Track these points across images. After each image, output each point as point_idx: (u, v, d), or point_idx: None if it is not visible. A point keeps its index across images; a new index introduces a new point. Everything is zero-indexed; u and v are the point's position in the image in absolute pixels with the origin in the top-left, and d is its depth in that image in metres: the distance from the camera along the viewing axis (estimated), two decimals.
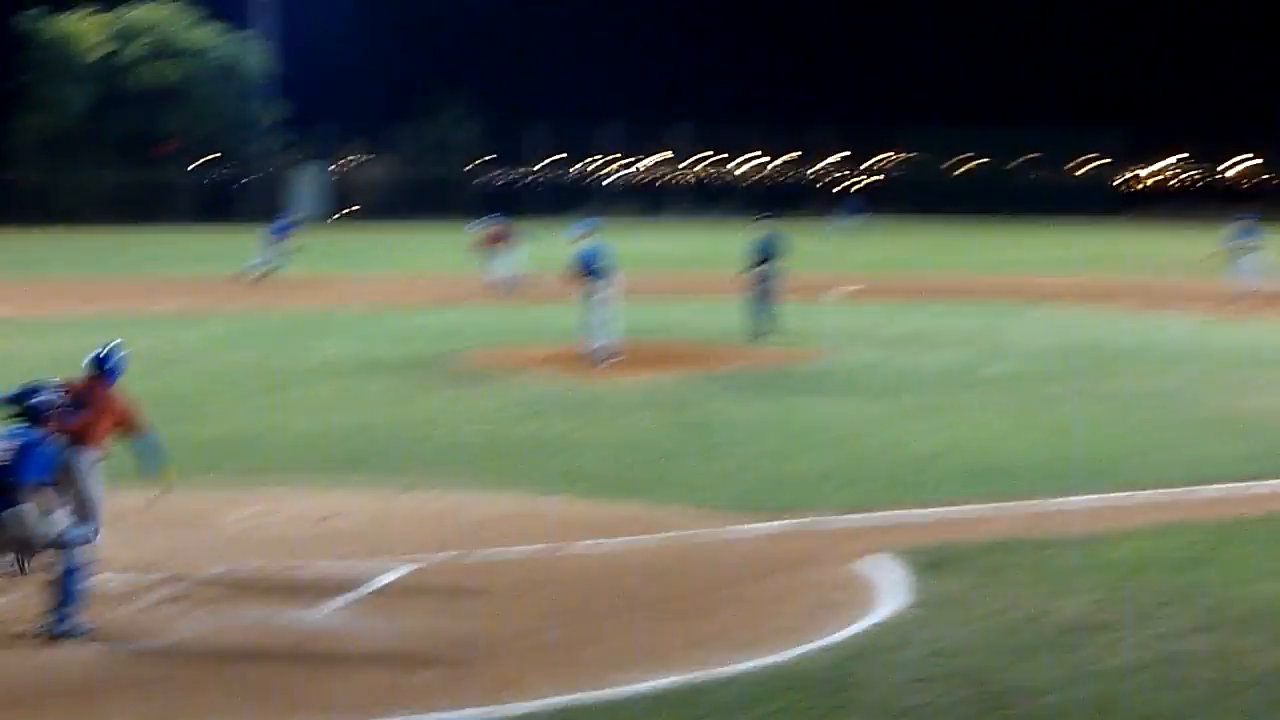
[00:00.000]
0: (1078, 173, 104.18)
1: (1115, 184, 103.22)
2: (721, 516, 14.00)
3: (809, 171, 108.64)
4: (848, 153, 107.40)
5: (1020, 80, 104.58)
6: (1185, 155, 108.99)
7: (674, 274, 44.85)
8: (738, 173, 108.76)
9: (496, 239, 39.96)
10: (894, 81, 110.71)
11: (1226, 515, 13.95)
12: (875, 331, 29.36)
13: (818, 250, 53.92)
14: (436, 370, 24.07)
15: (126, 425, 12.27)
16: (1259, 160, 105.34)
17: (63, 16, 79.95)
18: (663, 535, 13.38)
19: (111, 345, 12.52)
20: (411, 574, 12.11)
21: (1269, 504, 14.43)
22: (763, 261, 29.01)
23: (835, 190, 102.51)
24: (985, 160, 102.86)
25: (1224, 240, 38.05)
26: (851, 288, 39.01)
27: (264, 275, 41.38)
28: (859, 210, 74.27)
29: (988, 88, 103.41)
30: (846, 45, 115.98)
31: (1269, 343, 27.64)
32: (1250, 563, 12.27)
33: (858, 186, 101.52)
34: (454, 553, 12.71)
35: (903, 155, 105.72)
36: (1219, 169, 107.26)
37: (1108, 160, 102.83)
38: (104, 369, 12.34)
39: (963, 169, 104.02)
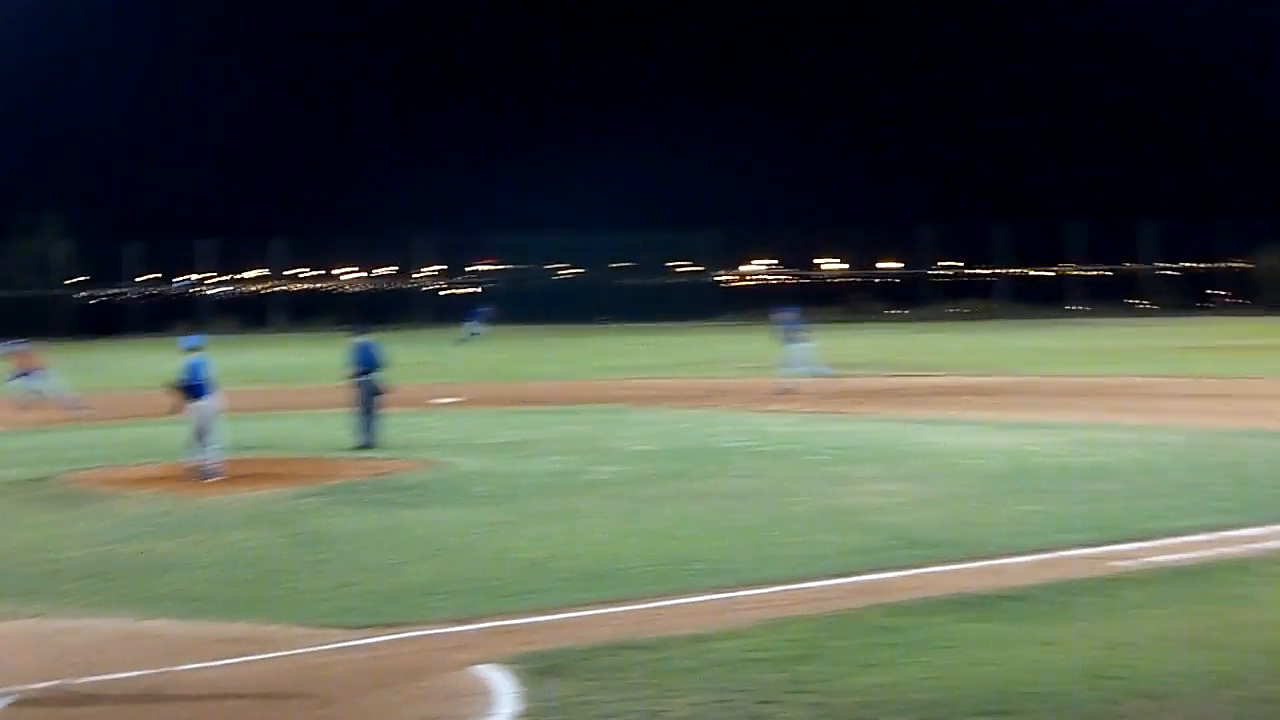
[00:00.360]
0: (673, 276, 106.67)
1: (714, 284, 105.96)
2: (331, 632, 13.76)
3: (408, 283, 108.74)
4: (444, 265, 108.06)
5: (615, 185, 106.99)
6: (773, 260, 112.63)
7: (277, 388, 44.23)
8: (339, 285, 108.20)
9: (24, 363, 39.19)
10: (489, 190, 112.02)
11: (832, 608, 14.28)
12: (481, 440, 29.40)
13: (426, 359, 53.89)
14: (33, 493, 23.20)
15: None
16: (844, 264, 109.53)
17: None
18: (272, 654, 13.07)
19: None
20: (8, 707, 11.56)
21: (872, 595, 14.84)
22: (363, 373, 28.85)
23: (446, 297, 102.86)
24: (580, 270, 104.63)
25: (777, 334, 39.86)
26: (453, 399, 39.04)
27: None
28: (490, 317, 74.72)
29: (583, 193, 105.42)
30: (440, 154, 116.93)
31: (862, 437, 28.57)
32: (855, 655, 12.57)
33: (474, 294, 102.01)
34: (55, 682, 12.19)
35: (500, 265, 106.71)
36: (809, 270, 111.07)
37: (700, 268, 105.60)
38: None
39: (561, 275, 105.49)
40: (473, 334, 70.04)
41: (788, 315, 40.28)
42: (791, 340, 39.48)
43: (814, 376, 38.89)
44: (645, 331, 77.65)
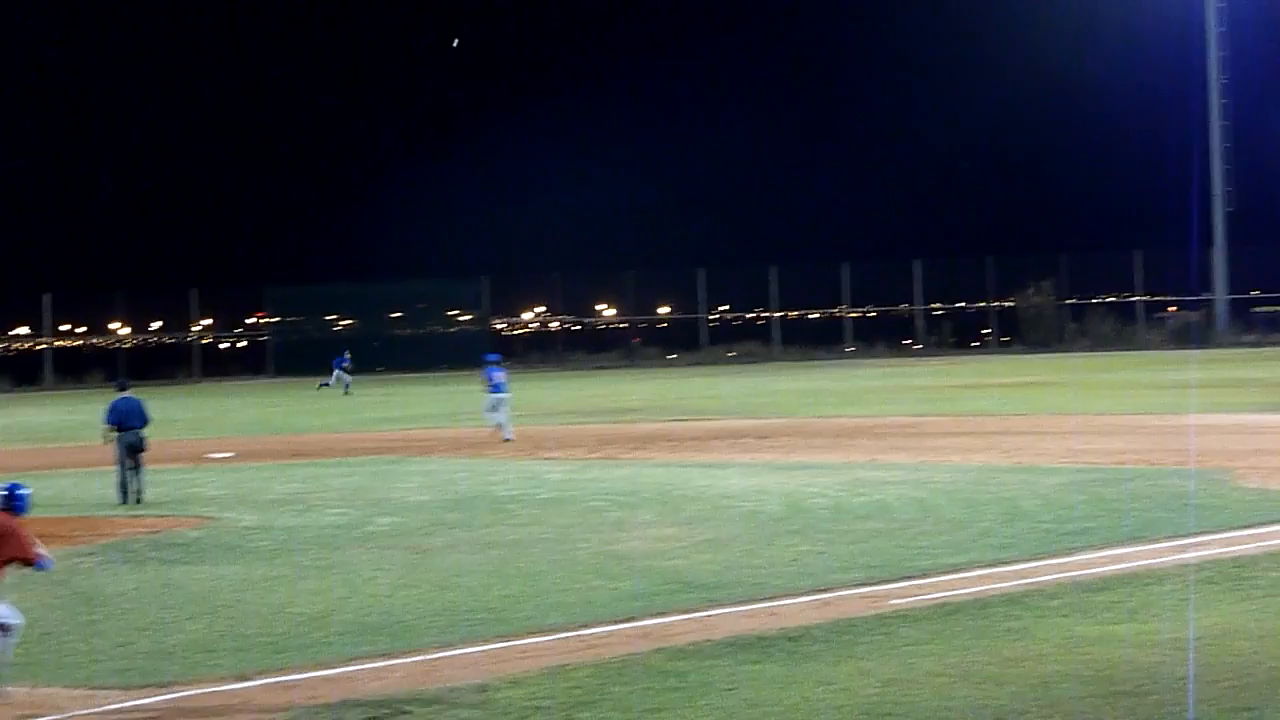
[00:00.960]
0: (450, 325, 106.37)
1: (492, 332, 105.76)
2: (108, 693, 13.44)
3: (182, 337, 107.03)
4: (210, 320, 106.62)
5: (390, 235, 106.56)
6: (544, 309, 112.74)
7: (45, 446, 43.20)
8: (110, 341, 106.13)
9: None
10: (263, 243, 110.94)
11: (613, 654, 14.31)
12: (256, 494, 28.97)
13: (199, 414, 53.03)
14: None
15: (25, 557, 13.75)
16: (613, 310, 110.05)
17: None
18: (46, 718, 12.74)
19: (14, 483, 13.97)
20: None
21: (652, 640, 14.89)
22: (124, 429, 28.28)
23: (222, 350, 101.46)
24: (351, 321, 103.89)
25: (484, 382, 40.25)
26: (226, 454, 38.46)
27: None
28: (345, 364, 73.58)
29: (358, 244, 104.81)
30: (216, 209, 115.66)
31: (640, 482, 28.67)
32: (638, 700, 12.60)
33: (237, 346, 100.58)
34: None
35: (275, 318, 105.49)
36: (585, 317, 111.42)
37: (473, 316, 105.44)
38: (11, 503, 13.84)
39: (338, 328, 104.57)
40: (345, 383, 69.17)
41: (493, 363, 40.70)
42: (494, 389, 39.62)
43: (494, 426, 39.09)
44: (423, 381, 77.26)
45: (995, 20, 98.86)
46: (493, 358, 41.73)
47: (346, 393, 67.39)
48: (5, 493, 13.96)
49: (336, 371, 71.02)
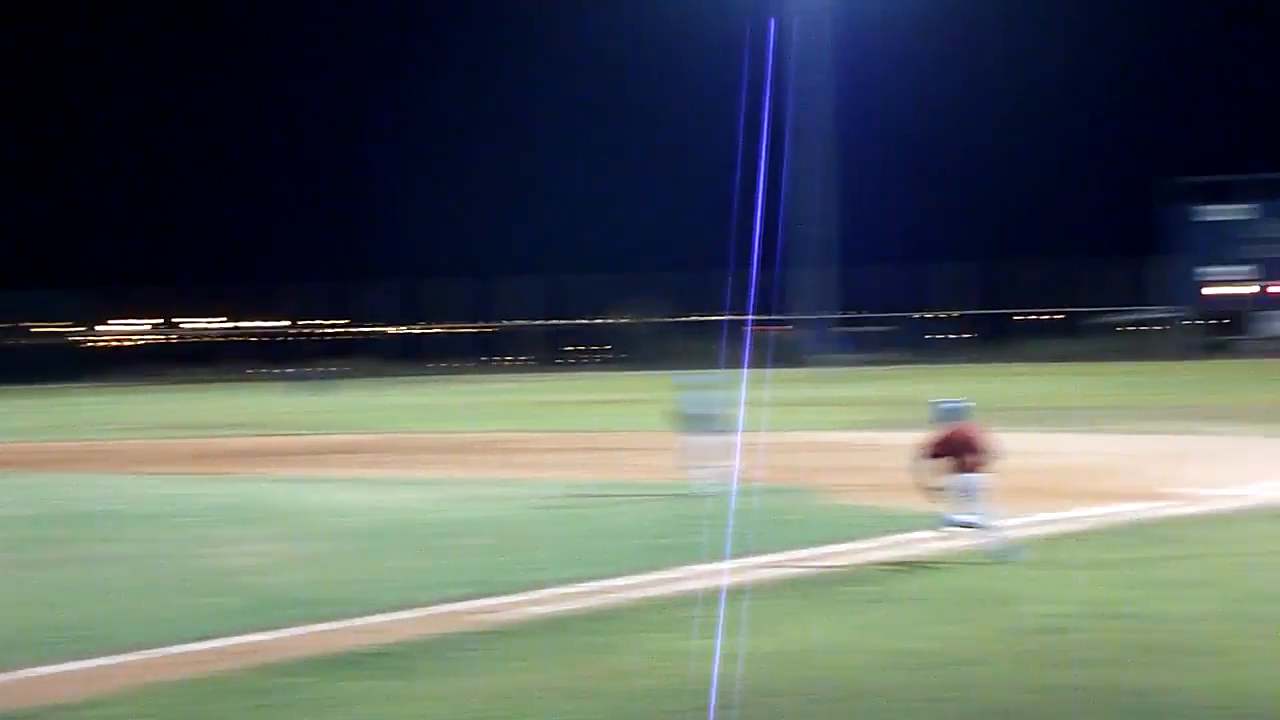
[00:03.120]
0: (29, 338, 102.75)
1: (78, 346, 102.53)
2: None
3: None
4: None
5: None
6: (157, 320, 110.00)
7: None
8: None
9: None
10: None
11: (208, 672, 14.00)
12: None
13: None
14: None
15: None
16: (225, 321, 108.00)
17: None
18: None
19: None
20: None
21: (248, 657, 14.62)
22: None
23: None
24: None
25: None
26: None
27: None
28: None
29: None
30: None
31: (234, 498, 28.20)
32: (234, 717, 12.41)
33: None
34: None
35: None
36: (181, 328, 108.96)
37: (67, 324, 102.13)
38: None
39: None
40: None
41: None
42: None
43: None
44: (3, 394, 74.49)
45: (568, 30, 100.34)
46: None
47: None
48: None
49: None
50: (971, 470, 19.40)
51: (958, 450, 19.43)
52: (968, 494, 19.38)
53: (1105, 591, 16.87)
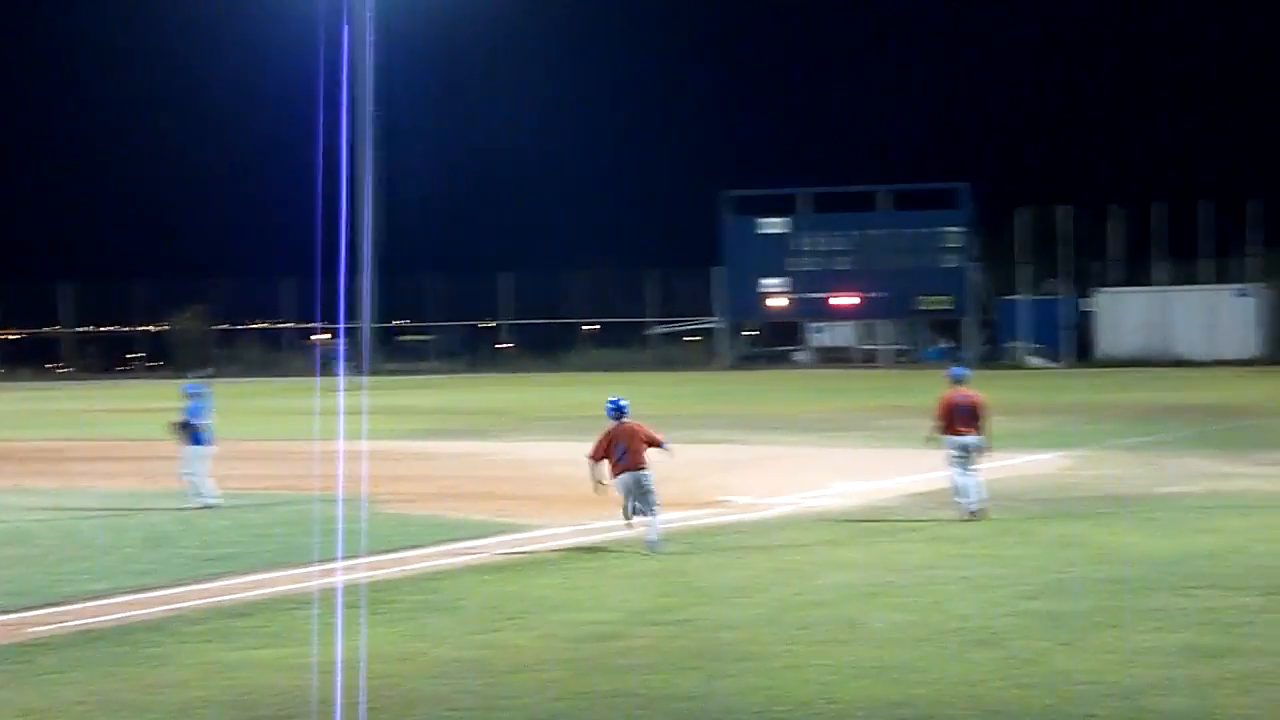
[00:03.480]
0: None
1: None
2: None
3: None
4: None
5: None
6: None
7: None
8: None
9: None
10: None
11: None
12: None
13: None
14: None
15: None
16: None
17: None
18: None
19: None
20: None
21: None
22: None
23: None
24: None
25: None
26: None
27: None
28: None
29: None
30: None
31: None
32: None
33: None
34: None
35: None
36: None
37: None
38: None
39: None
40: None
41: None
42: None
43: None
44: None
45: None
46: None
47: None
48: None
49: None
50: (639, 468, 20.80)
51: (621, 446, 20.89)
52: (639, 491, 20.74)
53: (656, 599, 17.18)
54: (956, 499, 23.28)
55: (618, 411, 21.33)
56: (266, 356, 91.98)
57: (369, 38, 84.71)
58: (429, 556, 20.67)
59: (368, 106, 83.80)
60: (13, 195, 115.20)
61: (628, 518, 21.04)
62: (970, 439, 23.20)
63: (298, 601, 17.29)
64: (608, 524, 22.73)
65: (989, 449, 23.78)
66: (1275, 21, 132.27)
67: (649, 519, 20.76)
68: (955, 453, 23.23)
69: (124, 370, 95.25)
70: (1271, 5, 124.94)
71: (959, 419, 23.27)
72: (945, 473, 23.87)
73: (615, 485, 21.06)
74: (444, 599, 17.49)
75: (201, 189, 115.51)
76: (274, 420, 49.01)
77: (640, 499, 20.81)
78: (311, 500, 26.43)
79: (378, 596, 17.47)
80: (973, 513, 22.97)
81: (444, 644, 15.00)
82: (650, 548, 20.38)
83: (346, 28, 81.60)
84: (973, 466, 23.28)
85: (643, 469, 20.85)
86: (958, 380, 23.84)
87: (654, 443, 21.15)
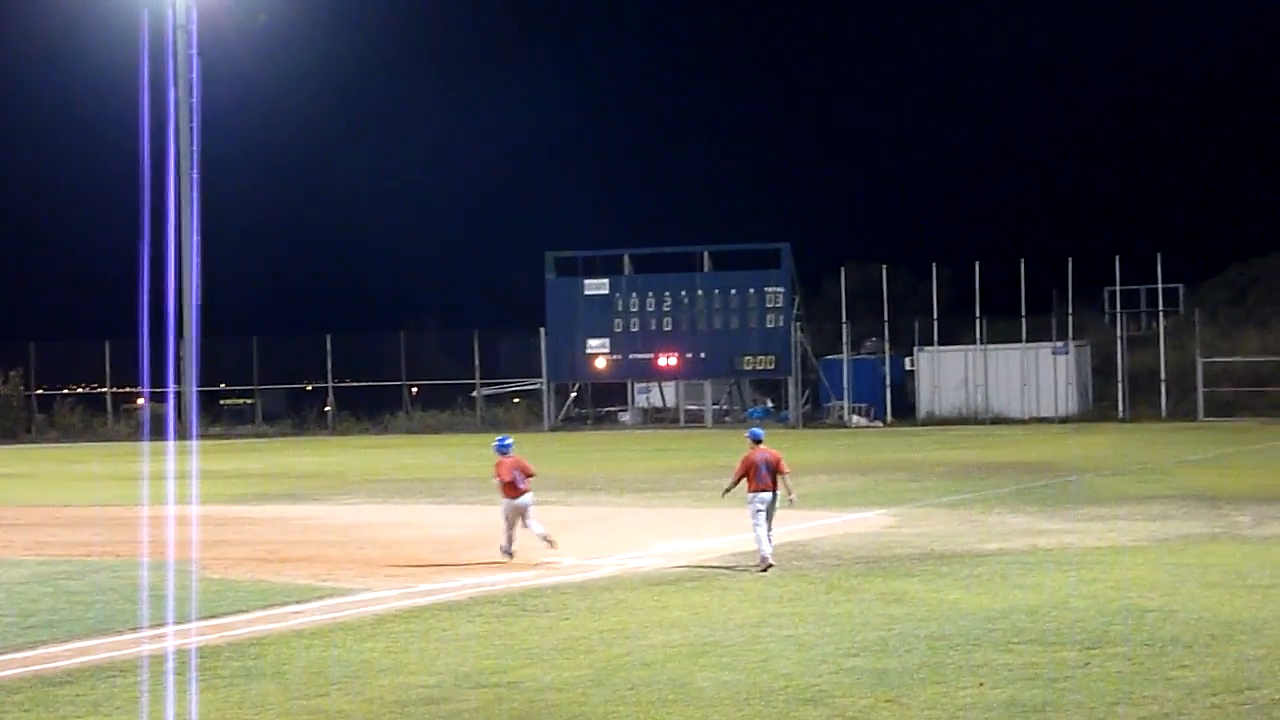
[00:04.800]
0: None
1: None
2: None
3: None
4: None
5: None
6: None
7: None
8: None
9: None
10: None
11: None
12: None
13: None
14: None
15: None
16: None
17: None
18: None
19: None
20: None
21: None
22: None
23: None
24: None
25: None
26: None
27: None
28: None
29: None
30: None
31: None
32: None
33: None
34: None
35: None
36: None
37: None
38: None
39: None
40: None
41: None
42: None
43: None
44: None
45: None
46: None
47: None
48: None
49: None
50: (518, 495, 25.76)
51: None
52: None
53: (482, 661, 17.16)
54: (760, 551, 24.47)
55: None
56: (87, 421, 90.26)
57: (194, 98, 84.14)
58: (252, 621, 20.45)
59: (194, 167, 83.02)
60: None
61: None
62: (769, 495, 24.64)
63: (120, 669, 17.04)
64: (428, 587, 22.66)
65: (793, 502, 25.28)
66: (1086, 87, 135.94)
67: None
68: (758, 508, 24.54)
69: None
70: (1082, 72, 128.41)
71: (759, 477, 24.65)
72: (769, 530, 24.42)
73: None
74: (268, 664, 17.33)
75: (16, 250, 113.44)
76: (96, 486, 48.20)
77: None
78: (134, 566, 26.09)
79: (201, 664, 17.26)
80: (769, 564, 24.24)
81: (268, 711, 14.87)
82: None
83: (172, 90, 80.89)
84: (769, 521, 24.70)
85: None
86: (757, 440, 25.17)
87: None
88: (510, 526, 26.00)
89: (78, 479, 52.24)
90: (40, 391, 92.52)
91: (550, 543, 25.90)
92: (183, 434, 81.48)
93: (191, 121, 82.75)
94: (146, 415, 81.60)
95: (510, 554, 25.93)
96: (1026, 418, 78.04)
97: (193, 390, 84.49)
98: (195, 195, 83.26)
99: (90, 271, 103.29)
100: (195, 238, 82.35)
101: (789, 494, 24.93)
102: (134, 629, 19.58)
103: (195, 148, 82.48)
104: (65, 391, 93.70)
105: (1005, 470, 46.11)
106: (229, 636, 19.27)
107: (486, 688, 15.71)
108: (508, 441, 26.49)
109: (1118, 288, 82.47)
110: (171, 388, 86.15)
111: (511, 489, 25.86)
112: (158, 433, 77.26)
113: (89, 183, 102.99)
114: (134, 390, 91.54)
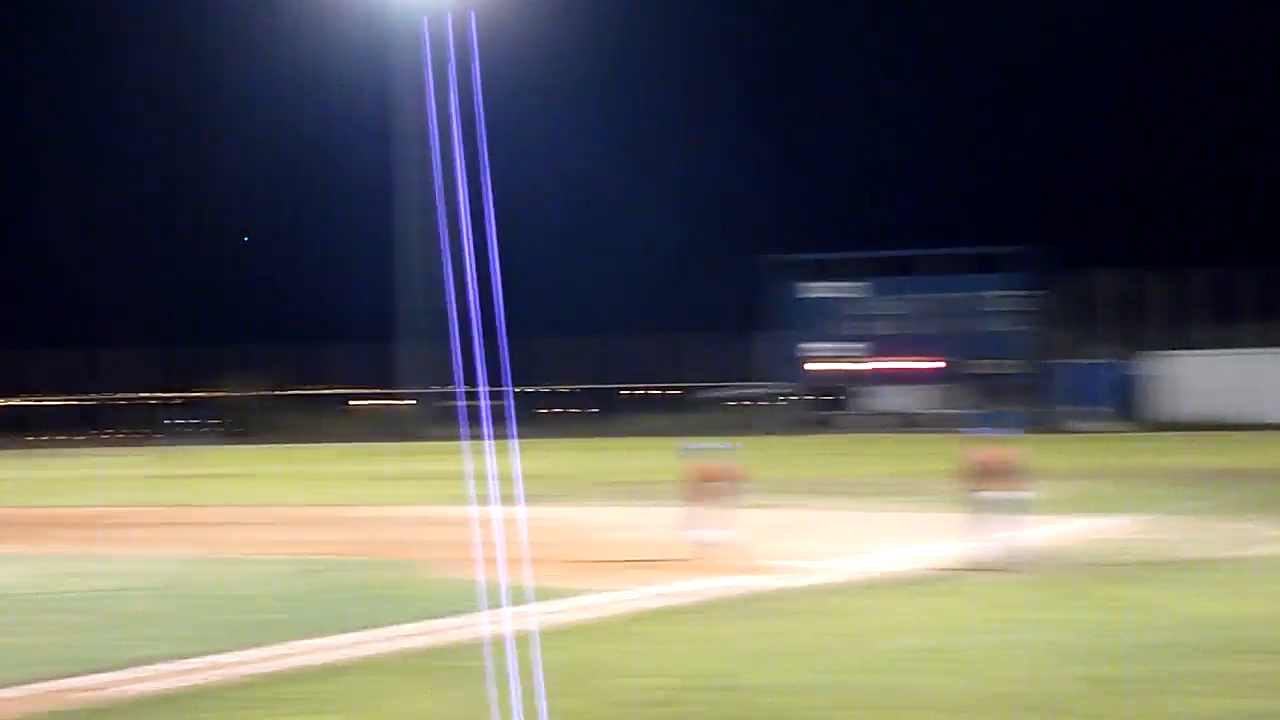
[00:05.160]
0: None
1: None
2: None
3: None
4: None
5: None
6: None
7: None
8: None
9: None
10: None
11: None
12: None
13: None
14: None
15: None
16: None
17: None
18: None
19: None
20: None
21: None
22: None
23: None
24: None
25: None
26: None
27: None
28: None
29: None
30: None
31: None
32: None
33: None
34: None
35: None
36: None
37: None
38: None
39: None
40: None
41: None
42: None
43: None
44: None
45: None
46: None
47: None
48: None
49: None
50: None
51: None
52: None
53: (711, 664, 17.14)
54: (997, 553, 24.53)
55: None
56: (317, 422, 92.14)
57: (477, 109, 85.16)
58: (474, 624, 20.59)
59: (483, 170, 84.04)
60: None
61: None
62: (1003, 495, 24.52)
63: (345, 668, 17.31)
64: (658, 590, 22.71)
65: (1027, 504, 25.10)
66: None
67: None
68: (992, 508, 24.61)
69: (174, 436, 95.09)
70: None
71: (988, 476, 24.62)
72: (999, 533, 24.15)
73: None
74: (503, 664, 17.48)
75: (262, 257, 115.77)
76: (323, 486, 49.12)
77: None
78: (356, 566, 26.49)
79: (423, 662, 17.45)
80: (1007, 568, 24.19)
81: (490, 711, 14.98)
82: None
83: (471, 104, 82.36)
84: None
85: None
86: (987, 442, 25.17)
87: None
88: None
89: (305, 478, 53.24)
90: (275, 393, 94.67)
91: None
92: (414, 436, 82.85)
93: (478, 120, 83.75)
94: (463, 415, 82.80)
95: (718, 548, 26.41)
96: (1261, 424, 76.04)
97: (506, 390, 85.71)
98: (489, 201, 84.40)
99: (315, 275, 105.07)
100: (493, 246, 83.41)
101: (1007, 494, 24.57)
102: (361, 628, 19.80)
103: (483, 155, 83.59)
104: (296, 392, 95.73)
105: (1255, 478, 45.00)
106: (452, 637, 19.35)
107: (716, 690, 15.70)
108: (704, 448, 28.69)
109: None
110: (485, 387, 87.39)
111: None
112: (392, 434, 78.49)
113: (338, 185, 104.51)
114: (376, 390, 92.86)
